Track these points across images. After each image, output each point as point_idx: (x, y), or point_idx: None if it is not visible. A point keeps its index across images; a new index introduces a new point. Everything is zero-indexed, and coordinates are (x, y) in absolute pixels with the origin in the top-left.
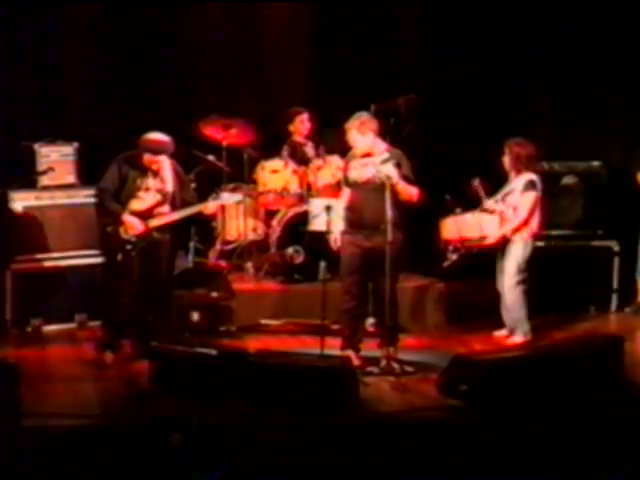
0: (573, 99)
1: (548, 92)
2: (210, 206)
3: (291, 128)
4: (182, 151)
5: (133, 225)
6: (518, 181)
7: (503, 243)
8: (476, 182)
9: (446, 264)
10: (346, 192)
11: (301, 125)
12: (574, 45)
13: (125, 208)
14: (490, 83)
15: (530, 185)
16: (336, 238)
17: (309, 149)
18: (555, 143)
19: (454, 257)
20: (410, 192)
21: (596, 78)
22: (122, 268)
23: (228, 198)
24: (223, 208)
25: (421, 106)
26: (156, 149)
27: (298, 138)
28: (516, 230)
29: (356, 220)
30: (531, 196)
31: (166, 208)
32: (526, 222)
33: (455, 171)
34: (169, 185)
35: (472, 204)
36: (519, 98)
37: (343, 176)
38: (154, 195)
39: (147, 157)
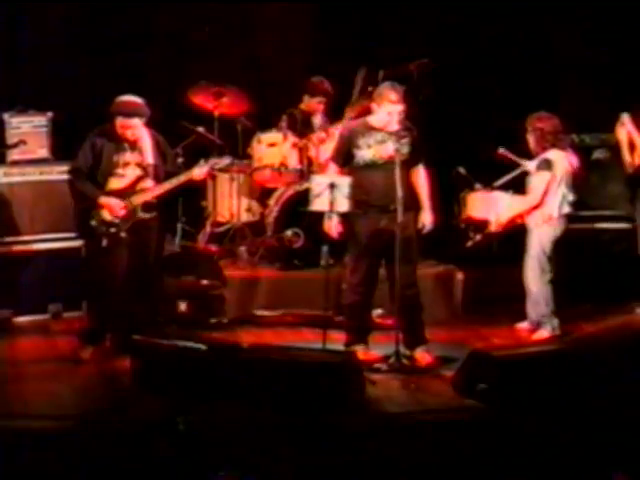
0: (607, 65)
1: (579, 57)
2: (197, 172)
3: (305, 99)
4: (168, 122)
5: (113, 207)
6: (534, 161)
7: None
8: (501, 150)
9: (469, 244)
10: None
11: (318, 105)
12: (605, 11)
13: (103, 188)
14: (515, 47)
15: (544, 164)
16: (336, 222)
17: (317, 119)
18: (585, 113)
19: (478, 237)
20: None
21: (631, 43)
22: (110, 254)
23: (217, 162)
24: (214, 184)
25: (436, 72)
26: (128, 111)
27: (305, 108)
28: (528, 213)
29: (376, 201)
30: (545, 176)
31: (149, 183)
32: (539, 205)
33: (475, 143)
34: (149, 157)
35: (489, 180)
36: (546, 64)
37: (344, 154)
38: (134, 170)
39: (120, 121)
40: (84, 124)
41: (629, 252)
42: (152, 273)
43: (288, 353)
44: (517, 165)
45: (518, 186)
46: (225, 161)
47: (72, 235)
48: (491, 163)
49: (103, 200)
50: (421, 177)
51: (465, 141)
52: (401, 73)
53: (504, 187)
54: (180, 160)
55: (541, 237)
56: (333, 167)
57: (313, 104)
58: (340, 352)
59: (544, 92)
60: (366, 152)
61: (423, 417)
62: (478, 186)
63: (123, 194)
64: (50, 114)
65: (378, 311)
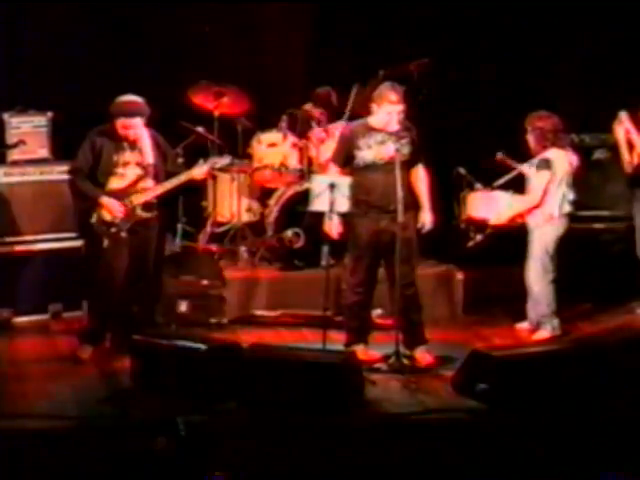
0: (607, 65)
1: (578, 56)
2: (197, 172)
3: (308, 106)
4: (168, 122)
5: (113, 208)
6: (534, 161)
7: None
8: (499, 155)
9: (470, 244)
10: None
11: (320, 115)
12: (603, 10)
13: (103, 188)
14: (514, 48)
15: (544, 164)
16: (336, 223)
17: (318, 124)
18: (585, 113)
19: (479, 238)
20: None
21: (631, 43)
22: (110, 254)
23: (217, 161)
24: (214, 184)
25: (436, 72)
26: (129, 110)
27: (309, 110)
28: (528, 213)
29: (377, 202)
30: (545, 176)
31: (150, 182)
32: (539, 205)
33: (474, 143)
34: (149, 157)
35: (489, 180)
36: (546, 65)
37: (345, 155)
38: (134, 169)
39: (120, 121)
40: (84, 124)
41: (629, 252)
42: (152, 273)
43: (288, 353)
44: (515, 169)
45: (518, 186)
46: (225, 160)
47: (72, 235)
48: (491, 163)
49: (103, 200)
50: (420, 177)
51: (465, 141)
52: (401, 73)
53: (504, 187)
54: (180, 160)
55: (543, 237)
56: (333, 168)
57: (315, 113)
58: (340, 352)
59: (544, 91)
60: (366, 153)
61: (423, 417)
62: (478, 186)
63: (123, 194)
64: (50, 114)
65: (378, 311)
